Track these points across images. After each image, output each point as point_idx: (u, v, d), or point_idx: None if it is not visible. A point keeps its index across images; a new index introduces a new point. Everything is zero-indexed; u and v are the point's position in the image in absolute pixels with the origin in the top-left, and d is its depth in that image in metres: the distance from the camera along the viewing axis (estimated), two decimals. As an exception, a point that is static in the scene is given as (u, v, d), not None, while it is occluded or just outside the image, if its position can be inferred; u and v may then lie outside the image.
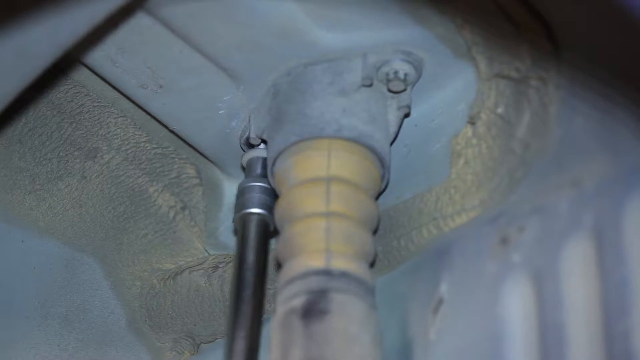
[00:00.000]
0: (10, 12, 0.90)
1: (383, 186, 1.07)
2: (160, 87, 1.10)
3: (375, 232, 1.06)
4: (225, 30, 1.02)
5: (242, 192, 1.11)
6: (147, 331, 1.28)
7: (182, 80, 1.09)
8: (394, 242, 1.08)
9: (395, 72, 1.03)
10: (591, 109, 0.93)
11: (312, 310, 0.95)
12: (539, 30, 0.96)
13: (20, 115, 1.24)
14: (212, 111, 1.11)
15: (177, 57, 1.06)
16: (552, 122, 0.97)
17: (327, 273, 0.97)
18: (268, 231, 1.09)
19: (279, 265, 1.04)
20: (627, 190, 0.87)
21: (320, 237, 0.99)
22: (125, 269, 1.27)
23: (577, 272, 0.88)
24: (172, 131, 1.17)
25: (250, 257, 1.07)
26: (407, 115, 1.07)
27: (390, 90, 1.05)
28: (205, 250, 1.25)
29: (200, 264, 1.24)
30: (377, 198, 1.07)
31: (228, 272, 1.21)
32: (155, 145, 1.25)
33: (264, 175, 1.10)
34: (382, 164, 1.04)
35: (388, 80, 1.04)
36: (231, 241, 1.24)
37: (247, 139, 1.11)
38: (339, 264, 0.98)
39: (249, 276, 1.06)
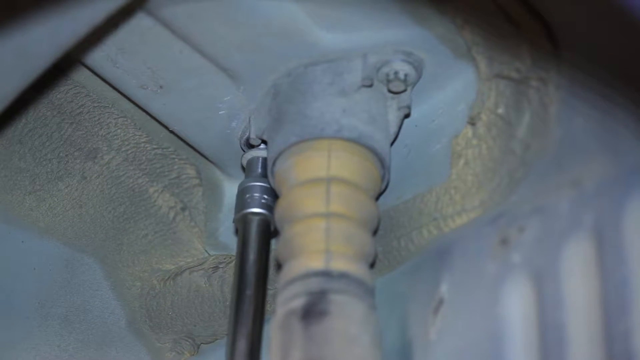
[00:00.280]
0: (10, 12, 0.90)
1: (383, 187, 1.07)
2: (161, 87, 1.10)
3: (375, 232, 1.06)
4: (226, 30, 1.03)
5: (242, 192, 1.11)
6: (147, 332, 1.28)
7: (183, 81, 1.09)
8: (394, 242, 1.08)
9: (396, 73, 1.03)
10: (591, 109, 0.93)
11: (312, 311, 0.95)
12: (539, 31, 0.96)
13: (21, 115, 1.24)
14: (212, 112, 1.11)
15: (178, 57, 1.06)
16: (552, 123, 0.97)
17: (326, 274, 0.97)
18: (269, 231, 1.09)
19: (279, 266, 1.04)
20: (627, 191, 0.87)
21: (320, 238, 0.99)
22: (125, 269, 1.27)
23: (577, 272, 0.88)
24: (172, 132, 1.17)
25: (251, 257, 1.07)
26: (407, 115, 1.07)
27: (390, 91, 1.05)
28: (206, 251, 1.25)
29: (200, 265, 1.23)
30: (377, 198, 1.07)
31: (228, 273, 1.21)
32: (155, 146, 1.25)
33: (264, 175, 1.10)
34: (382, 164, 1.04)
35: (388, 81, 1.04)
36: (231, 241, 1.24)
37: (247, 139, 1.11)
38: (339, 264, 0.98)
39: (250, 276, 1.06)
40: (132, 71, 1.09)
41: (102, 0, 0.94)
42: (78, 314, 1.28)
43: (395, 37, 1.02)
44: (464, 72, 1.05)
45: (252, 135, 1.10)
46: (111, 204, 1.27)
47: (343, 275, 0.97)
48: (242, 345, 1.01)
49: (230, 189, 1.23)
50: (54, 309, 1.29)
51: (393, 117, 1.05)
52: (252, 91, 1.09)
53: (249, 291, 1.05)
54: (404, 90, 1.04)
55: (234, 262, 1.15)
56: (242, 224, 1.09)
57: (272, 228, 1.10)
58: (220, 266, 1.22)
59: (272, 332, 0.97)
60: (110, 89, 1.17)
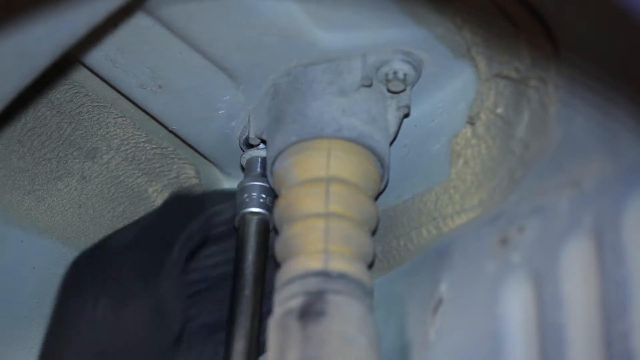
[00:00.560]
0: (9, 11, 0.90)
1: (382, 186, 1.06)
2: (160, 87, 1.10)
3: (374, 232, 1.06)
4: (225, 30, 1.02)
5: (241, 192, 1.11)
6: (146, 331, 1.28)
7: (182, 81, 1.09)
8: (393, 242, 1.08)
9: (395, 72, 1.03)
10: (591, 109, 0.93)
11: (309, 311, 0.95)
12: (539, 31, 0.96)
13: (20, 115, 1.24)
14: (211, 111, 1.11)
15: (177, 57, 1.06)
16: (552, 122, 0.97)
17: (325, 274, 0.97)
18: (267, 231, 1.09)
19: (277, 265, 1.04)
20: (627, 190, 0.87)
21: (318, 238, 0.99)
22: (125, 269, 1.27)
23: (576, 272, 0.88)
24: (171, 131, 1.17)
25: (249, 257, 1.07)
26: (406, 115, 1.07)
27: (389, 91, 1.05)
28: (205, 251, 1.25)
29: (199, 264, 1.23)
30: (376, 198, 1.06)
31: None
32: (154, 146, 1.25)
33: (263, 175, 1.10)
34: (382, 164, 1.04)
35: (388, 81, 1.04)
36: (230, 241, 1.23)
37: (247, 139, 1.11)
38: (337, 265, 0.97)
39: (248, 276, 1.06)
40: (131, 71, 1.09)
41: (102, 0, 0.94)
42: (77, 314, 1.28)
43: (395, 37, 1.02)
44: (463, 72, 1.05)
45: (252, 135, 1.09)
46: (110, 203, 1.27)
47: (341, 276, 0.97)
48: (239, 345, 1.01)
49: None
50: (53, 308, 1.29)
51: (392, 116, 1.05)
52: (251, 91, 1.09)
53: (247, 291, 1.05)
54: (404, 90, 1.04)
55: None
56: (240, 223, 1.09)
57: (271, 227, 1.10)
58: (219, 265, 1.22)
59: (269, 332, 0.97)
60: (110, 88, 1.17)
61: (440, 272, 1.01)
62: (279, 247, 1.02)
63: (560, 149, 0.96)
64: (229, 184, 1.23)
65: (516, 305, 0.92)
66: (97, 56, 1.09)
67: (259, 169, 1.11)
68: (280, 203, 1.04)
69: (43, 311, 1.28)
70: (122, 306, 0.98)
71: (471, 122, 1.04)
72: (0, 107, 1.04)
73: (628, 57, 0.87)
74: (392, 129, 1.06)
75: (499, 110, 1.02)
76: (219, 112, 1.11)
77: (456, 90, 1.07)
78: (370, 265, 1.04)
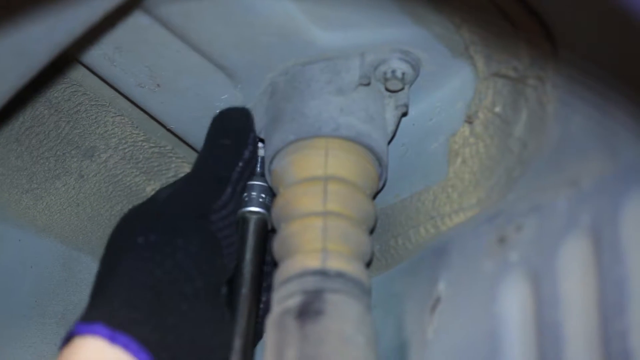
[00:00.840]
0: (7, 10, 0.90)
1: (380, 185, 1.07)
2: (158, 86, 1.10)
3: (372, 231, 1.06)
4: (223, 29, 1.02)
5: (244, 185, 1.11)
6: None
7: (180, 79, 1.09)
8: (391, 241, 1.08)
9: (393, 71, 1.03)
10: (589, 108, 0.93)
11: (307, 310, 0.95)
12: (537, 30, 0.96)
13: (18, 114, 1.24)
14: (209, 110, 1.11)
15: (175, 56, 1.06)
16: (550, 121, 0.97)
17: (323, 273, 0.97)
18: (266, 230, 1.09)
19: (275, 264, 1.04)
20: (625, 189, 0.87)
21: (316, 237, 0.99)
22: (123, 268, 1.27)
23: (574, 271, 0.88)
24: (169, 130, 1.17)
25: (247, 256, 1.07)
26: (404, 114, 1.07)
27: (387, 89, 1.05)
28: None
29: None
30: (374, 197, 1.07)
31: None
32: (152, 144, 1.26)
33: (261, 174, 1.10)
34: (380, 163, 1.04)
35: (386, 79, 1.04)
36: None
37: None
38: (335, 264, 0.98)
39: (246, 275, 1.06)
40: (129, 70, 1.09)
41: (99, -1, 0.95)
42: (75, 312, 1.28)
43: (393, 35, 1.02)
44: (461, 71, 1.05)
45: (249, 133, 1.09)
46: (108, 202, 1.27)
47: (339, 275, 0.97)
48: (237, 343, 1.01)
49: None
50: (51, 307, 1.29)
51: (390, 115, 1.05)
52: (249, 90, 1.09)
53: (245, 289, 1.05)
54: (402, 89, 1.04)
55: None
56: (239, 222, 1.09)
57: (269, 227, 1.10)
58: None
59: (267, 331, 0.97)
60: (108, 87, 1.17)
61: (438, 271, 1.01)
62: (277, 245, 1.02)
63: (559, 147, 0.96)
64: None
65: (514, 304, 0.92)
66: (95, 55, 1.09)
67: (257, 168, 1.11)
68: (278, 202, 1.04)
69: (41, 310, 1.28)
70: (172, 242, 0.97)
71: (469, 121, 1.04)
72: (-2, 106, 1.04)
73: (626, 56, 0.87)
74: (390, 128, 1.06)
75: (497, 109, 1.02)
76: (217, 110, 1.11)
77: (454, 89, 1.07)
78: (368, 264, 1.04)
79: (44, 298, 1.28)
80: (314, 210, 1.00)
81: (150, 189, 1.25)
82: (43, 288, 1.29)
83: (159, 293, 0.93)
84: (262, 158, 1.11)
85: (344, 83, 1.04)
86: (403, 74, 1.03)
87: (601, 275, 0.86)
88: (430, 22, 1.00)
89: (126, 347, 0.89)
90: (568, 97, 0.96)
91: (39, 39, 0.95)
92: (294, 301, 0.96)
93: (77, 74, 1.21)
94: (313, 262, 0.98)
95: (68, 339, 0.91)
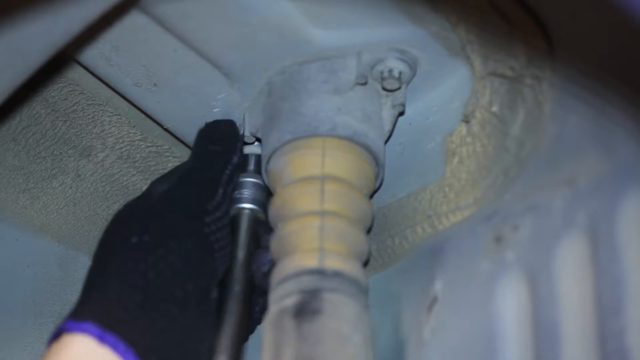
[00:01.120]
0: (4, 9, 0.90)
1: (377, 185, 1.07)
2: (155, 85, 1.10)
3: (369, 230, 1.06)
4: (220, 28, 1.02)
5: (234, 188, 1.11)
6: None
7: (177, 79, 1.09)
8: (388, 240, 1.08)
9: (390, 71, 1.03)
10: (585, 108, 0.93)
11: (305, 310, 0.95)
12: (534, 29, 0.96)
13: (15, 113, 1.24)
14: (206, 109, 1.11)
15: (172, 55, 1.06)
16: (547, 121, 0.97)
17: (320, 272, 0.97)
18: (259, 227, 1.09)
19: (273, 263, 1.04)
20: (622, 188, 0.87)
21: (314, 236, 0.99)
22: (120, 267, 1.27)
23: (571, 270, 0.88)
24: (166, 129, 1.17)
25: (240, 253, 1.07)
26: (401, 113, 1.07)
27: (384, 89, 1.05)
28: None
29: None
30: (371, 196, 1.07)
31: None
32: (149, 144, 1.26)
33: (256, 172, 1.10)
34: (377, 162, 1.04)
35: (382, 79, 1.04)
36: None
37: (242, 137, 1.11)
38: (333, 263, 0.98)
39: (238, 272, 1.06)
40: (126, 69, 1.09)
41: (96, -2, 0.95)
42: (72, 312, 1.28)
43: (390, 35, 1.02)
44: (458, 70, 1.05)
45: (247, 133, 1.09)
46: (105, 201, 1.27)
47: (336, 274, 0.97)
48: (226, 340, 1.01)
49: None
50: (48, 306, 1.29)
51: (387, 115, 1.05)
52: (246, 89, 1.09)
53: (237, 287, 1.05)
54: (398, 88, 1.04)
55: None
56: (232, 219, 1.09)
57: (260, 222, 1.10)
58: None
59: (264, 330, 0.97)
60: (105, 86, 1.17)
61: (435, 270, 1.01)
62: (274, 245, 1.02)
63: (555, 147, 0.96)
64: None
65: (510, 303, 0.92)
66: (92, 54, 1.09)
67: (252, 166, 1.11)
68: (276, 201, 1.04)
69: (38, 309, 1.28)
70: (165, 243, 0.97)
71: (466, 120, 1.04)
72: (-5, 105, 1.04)
73: (623, 55, 0.87)
74: (387, 127, 1.06)
75: (494, 109, 1.02)
76: (214, 110, 1.11)
77: (451, 89, 1.07)
78: (366, 264, 1.04)
79: (40, 297, 1.28)
80: (311, 210, 1.00)
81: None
82: (40, 287, 1.29)
83: (150, 295, 0.94)
84: (258, 156, 1.11)
85: (340, 82, 1.04)
86: (400, 73, 1.03)
87: (598, 275, 0.86)
88: (427, 21, 1.00)
89: (114, 347, 0.90)
90: (565, 97, 0.96)
91: (36, 38, 0.95)
92: (291, 300, 0.96)
93: (74, 73, 1.21)
94: (310, 261, 0.98)
95: (57, 334, 0.92)
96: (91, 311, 0.92)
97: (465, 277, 0.97)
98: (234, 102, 1.10)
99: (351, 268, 0.98)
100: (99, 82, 1.17)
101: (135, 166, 1.26)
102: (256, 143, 1.11)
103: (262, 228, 1.09)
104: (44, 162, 1.26)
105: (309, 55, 1.04)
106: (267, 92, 1.07)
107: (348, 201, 1.01)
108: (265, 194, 1.09)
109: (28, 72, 1.00)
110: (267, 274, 1.03)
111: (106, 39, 1.06)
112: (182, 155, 1.25)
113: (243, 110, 1.10)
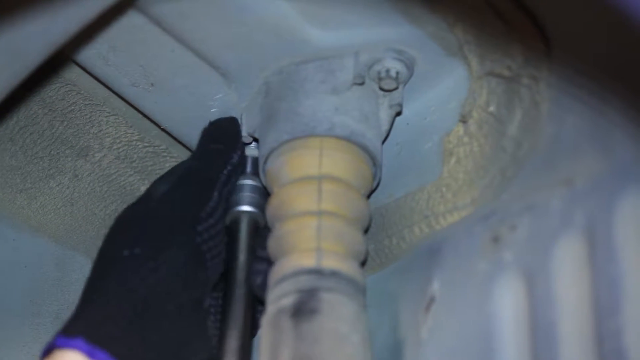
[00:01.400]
0: (1, 9, 0.90)
1: (375, 184, 1.07)
2: (152, 85, 1.10)
3: (366, 230, 1.06)
4: (217, 28, 1.02)
5: (231, 189, 1.11)
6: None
7: (174, 79, 1.09)
8: (385, 240, 1.08)
9: (387, 71, 1.03)
10: (583, 108, 0.93)
11: (302, 309, 0.95)
12: (531, 29, 0.96)
13: (12, 113, 1.24)
14: (203, 109, 1.11)
15: (169, 55, 1.06)
16: (544, 121, 0.97)
17: (317, 272, 0.97)
18: (258, 229, 1.09)
19: (270, 263, 1.04)
20: (619, 189, 0.87)
21: (311, 236, 0.99)
22: (117, 267, 1.27)
23: (568, 270, 0.88)
24: (164, 130, 1.17)
25: (241, 255, 1.07)
26: (399, 113, 1.07)
27: (382, 89, 1.05)
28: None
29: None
30: (368, 196, 1.07)
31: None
32: (147, 144, 1.25)
33: (254, 174, 1.10)
34: (374, 162, 1.04)
35: (380, 79, 1.04)
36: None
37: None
38: (330, 263, 0.98)
39: (239, 274, 1.06)
40: (123, 69, 1.09)
41: (94, -2, 0.95)
42: (69, 312, 1.27)
43: (387, 35, 1.02)
44: (455, 70, 1.05)
45: (244, 133, 1.09)
46: (102, 202, 1.27)
47: (334, 274, 0.97)
48: (233, 344, 1.01)
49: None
50: (45, 306, 1.29)
51: (385, 115, 1.05)
52: (243, 89, 1.08)
53: (239, 290, 1.05)
54: (396, 88, 1.04)
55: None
56: (231, 222, 1.09)
57: (261, 226, 1.09)
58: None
59: (262, 330, 0.97)
60: (102, 86, 1.17)
61: (432, 270, 1.01)
62: (272, 245, 1.02)
63: (552, 147, 0.96)
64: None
65: (508, 303, 0.92)
66: (89, 54, 1.08)
67: (250, 168, 1.11)
68: (273, 201, 1.04)
69: (35, 310, 1.28)
70: (156, 256, 0.97)
71: (463, 120, 1.04)
72: (-8, 105, 1.04)
73: (620, 55, 0.87)
74: (385, 127, 1.06)
75: (491, 109, 1.02)
76: (211, 110, 1.11)
77: (448, 89, 1.07)
78: (363, 263, 1.04)
79: (38, 298, 1.28)
80: (309, 210, 1.00)
81: (144, 189, 1.25)
82: (37, 288, 1.29)
83: (141, 310, 0.94)
84: (255, 158, 1.11)
85: (338, 82, 1.04)
86: (397, 73, 1.03)
87: (595, 275, 0.86)
88: (424, 22, 1.00)
89: None
90: (562, 97, 0.96)
91: (33, 38, 0.95)
92: (289, 300, 0.96)
93: (72, 73, 1.21)
94: (308, 261, 0.98)
95: (49, 350, 0.92)
96: (82, 326, 0.92)
97: (463, 277, 0.97)
98: (232, 102, 1.10)
99: (348, 268, 0.98)
100: (96, 82, 1.17)
101: (133, 166, 1.26)
102: (253, 144, 1.11)
103: (260, 235, 1.08)
104: (41, 162, 1.26)
105: (306, 55, 1.04)
106: (264, 92, 1.07)
107: (345, 201, 1.01)
108: (263, 196, 1.09)
109: (25, 72, 1.00)
110: (262, 285, 1.03)
111: (104, 39, 1.06)
112: (179, 155, 1.25)
113: (240, 111, 1.10)
